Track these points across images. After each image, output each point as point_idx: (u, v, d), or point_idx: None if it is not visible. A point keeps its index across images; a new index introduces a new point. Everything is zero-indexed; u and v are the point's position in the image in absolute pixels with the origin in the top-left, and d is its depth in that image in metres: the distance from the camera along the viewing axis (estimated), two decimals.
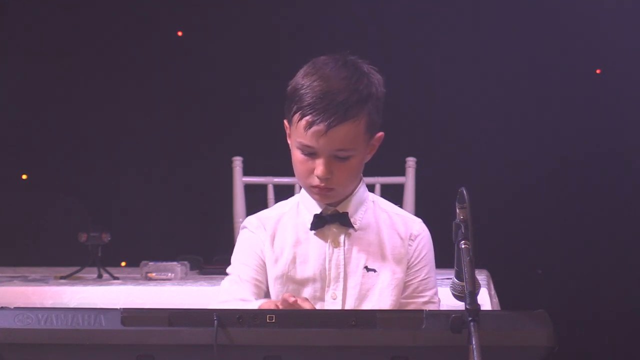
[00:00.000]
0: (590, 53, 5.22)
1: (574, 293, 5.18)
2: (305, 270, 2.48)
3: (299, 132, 2.40)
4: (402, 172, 4.24)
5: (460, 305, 1.95)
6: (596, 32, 5.18)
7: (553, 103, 5.23)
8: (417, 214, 3.68)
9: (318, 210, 2.50)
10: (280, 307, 2.22)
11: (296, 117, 2.40)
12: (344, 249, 2.49)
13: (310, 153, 2.41)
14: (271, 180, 4.19)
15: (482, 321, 1.87)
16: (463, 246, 2.00)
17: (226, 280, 2.52)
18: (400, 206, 3.46)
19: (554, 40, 5.20)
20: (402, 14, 5.21)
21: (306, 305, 2.24)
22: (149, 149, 5.30)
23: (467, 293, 1.91)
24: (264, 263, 2.50)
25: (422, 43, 5.16)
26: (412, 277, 2.51)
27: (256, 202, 4.12)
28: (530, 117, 5.22)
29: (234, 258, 2.54)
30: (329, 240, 2.49)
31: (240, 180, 4.26)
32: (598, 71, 5.28)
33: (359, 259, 2.49)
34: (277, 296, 2.45)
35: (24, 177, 5.39)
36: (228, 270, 2.54)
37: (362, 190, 2.53)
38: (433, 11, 5.21)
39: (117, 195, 5.25)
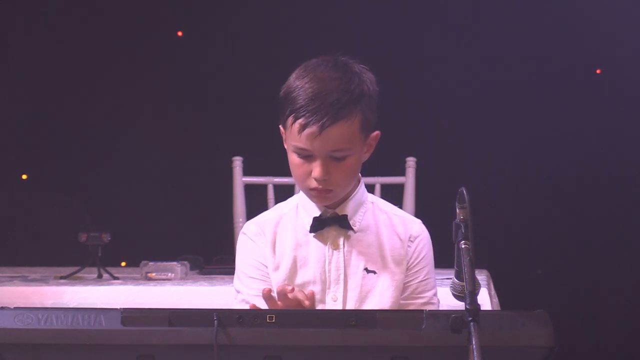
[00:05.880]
0: (590, 53, 5.23)
1: (574, 293, 5.18)
2: (306, 273, 2.48)
3: (294, 136, 2.40)
4: (402, 172, 4.24)
5: (460, 305, 1.95)
6: (596, 32, 5.18)
7: (553, 103, 5.23)
8: (417, 214, 3.69)
9: (317, 213, 2.49)
10: (279, 302, 2.24)
11: (290, 120, 2.40)
12: (343, 251, 2.48)
13: (306, 155, 2.41)
14: (271, 180, 4.19)
15: (482, 321, 1.87)
16: (463, 246, 2.00)
17: (237, 302, 2.51)
18: (400, 206, 3.47)
19: (554, 40, 5.20)
20: (403, 13, 5.21)
21: (299, 296, 2.26)
22: (149, 149, 5.30)
23: (467, 293, 1.91)
24: (268, 270, 2.50)
25: (422, 43, 5.16)
26: (411, 278, 2.51)
27: (256, 202, 4.12)
28: (530, 117, 5.22)
29: (238, 270, 2.53)
30: (328, 243, 2.49)
31: (240, 180, 4.25)
32: (598, 71, 5.27)
33: (358, 260, 2.49)
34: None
35: (24, 177, 5.39)
36: (235, 285, 2.54)
37: (361, 191, 2.53)
38: (433, 11, 5.21)
39: (117, 195, 5.25)
